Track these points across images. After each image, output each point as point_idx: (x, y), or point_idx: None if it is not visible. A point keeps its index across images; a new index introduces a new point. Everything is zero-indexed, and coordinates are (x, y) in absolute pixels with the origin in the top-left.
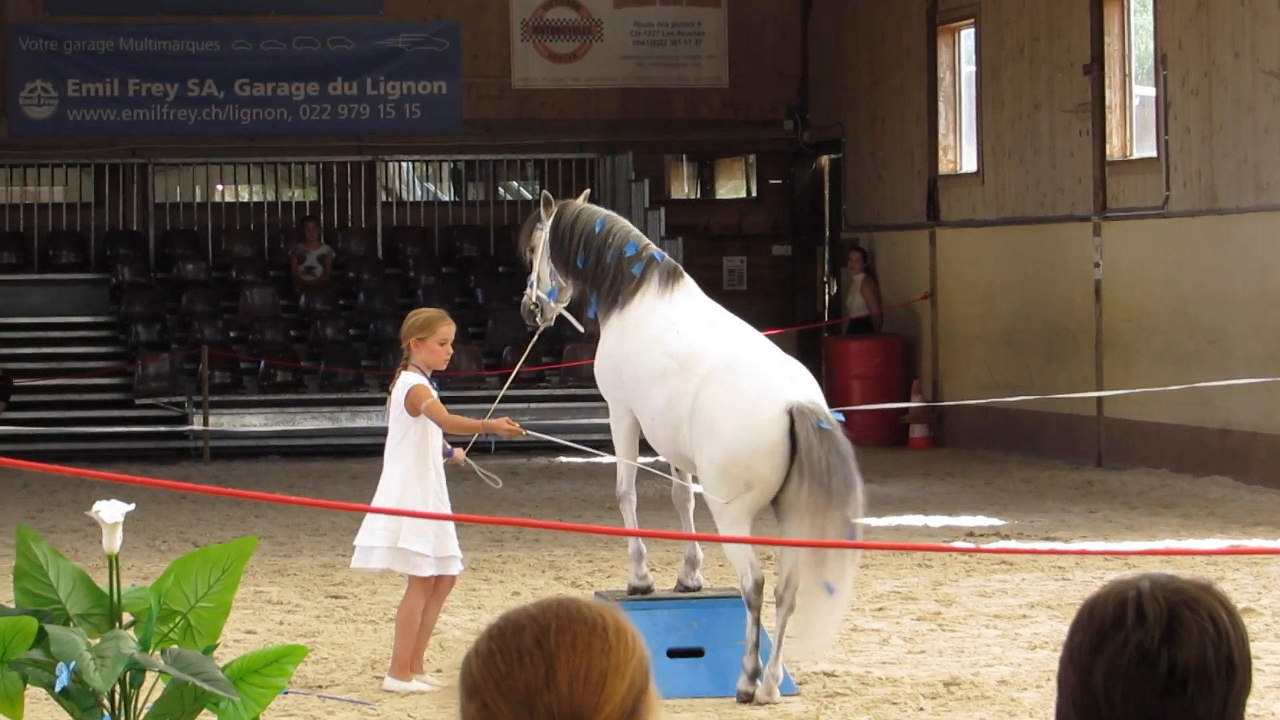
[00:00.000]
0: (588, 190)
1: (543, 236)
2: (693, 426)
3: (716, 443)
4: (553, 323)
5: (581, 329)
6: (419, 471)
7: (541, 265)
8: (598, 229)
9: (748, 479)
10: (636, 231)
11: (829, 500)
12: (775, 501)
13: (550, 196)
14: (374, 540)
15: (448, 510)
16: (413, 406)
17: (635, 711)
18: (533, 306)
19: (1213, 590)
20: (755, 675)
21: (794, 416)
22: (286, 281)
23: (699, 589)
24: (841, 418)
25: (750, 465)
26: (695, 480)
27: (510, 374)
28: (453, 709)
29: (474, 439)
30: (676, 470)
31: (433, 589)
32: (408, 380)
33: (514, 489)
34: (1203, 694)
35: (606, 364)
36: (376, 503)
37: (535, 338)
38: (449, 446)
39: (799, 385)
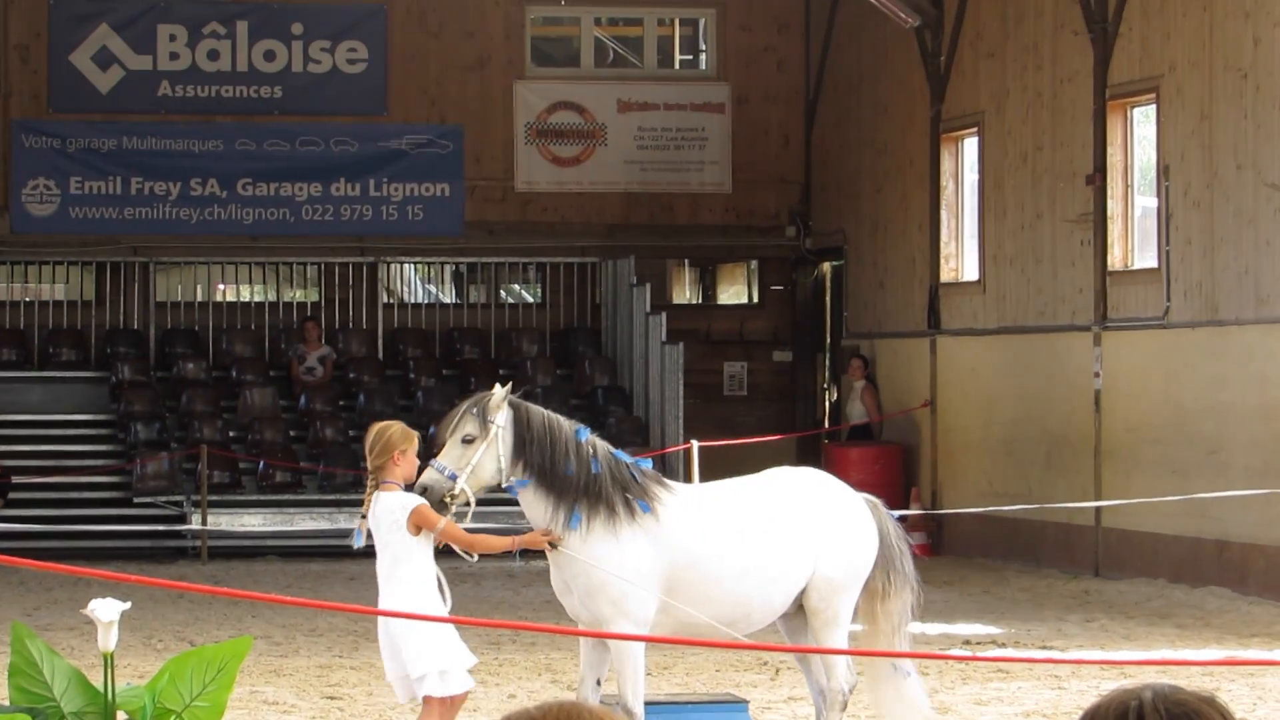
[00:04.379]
0: (510, 384)
1: (495, 430)
2: (817, 550)
3: (855, 548)
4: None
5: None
6: (431, 592)
7: (483, 458)
8: (581, 437)
9: (866, 577)
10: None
11: (906, 583)
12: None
13: (483, 394)
14: (421, 668)
15: (447, 617)
16: (417, 527)
17: None
18: (449, 498)
19: (1215, 702)
20: None
21: (870, 507)
22: (287, 381)
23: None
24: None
25: (870, 562)
26: None
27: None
28: None
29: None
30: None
31: (452, 706)
32: (401, 499)
33: (511, 591)
34: None
35: (650, 563)
36: (399, 628)
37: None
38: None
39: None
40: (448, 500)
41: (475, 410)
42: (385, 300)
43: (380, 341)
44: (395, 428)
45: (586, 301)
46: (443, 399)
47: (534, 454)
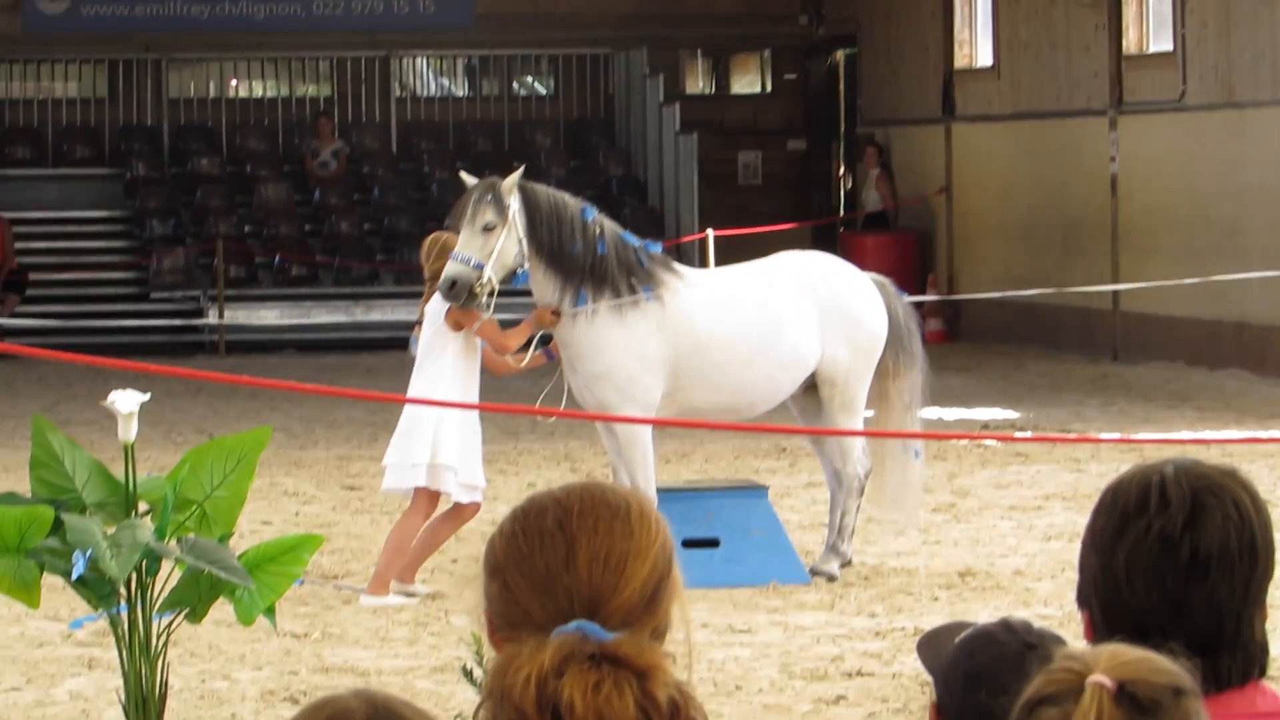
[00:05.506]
0: (523, 166)
1: (512, 214)
2: (826, 334)
3: (864, 329)
4: (481, 307)
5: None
6: (460, 393)
7: (505, 243)
8: (588, 216)
9: (877, 357)
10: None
11: (914, 363)
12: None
13: (493, 180)
14: (413, 458)
15: (478, 434)
16: (456, 324)
17: (656, 596)
18: (477, 287)
19: (1237, 476)
20: (844, 562)
21: (878, 287)
22: (301, 176)
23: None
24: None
25: (881, 342)
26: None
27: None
28: (475, 590)
29: (534, 343)
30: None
31: (455, 515)
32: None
33: (529, 382)
34: (1224, 579)
35: (657, 348)
36: (410, 417)
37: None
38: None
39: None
40: (477, 290)
41: (490, 196)
42: (398, 94)
43: (394, 136)
44: (447, 237)
45: (600, 93)
46: (456, 192)
47: (542, 233)
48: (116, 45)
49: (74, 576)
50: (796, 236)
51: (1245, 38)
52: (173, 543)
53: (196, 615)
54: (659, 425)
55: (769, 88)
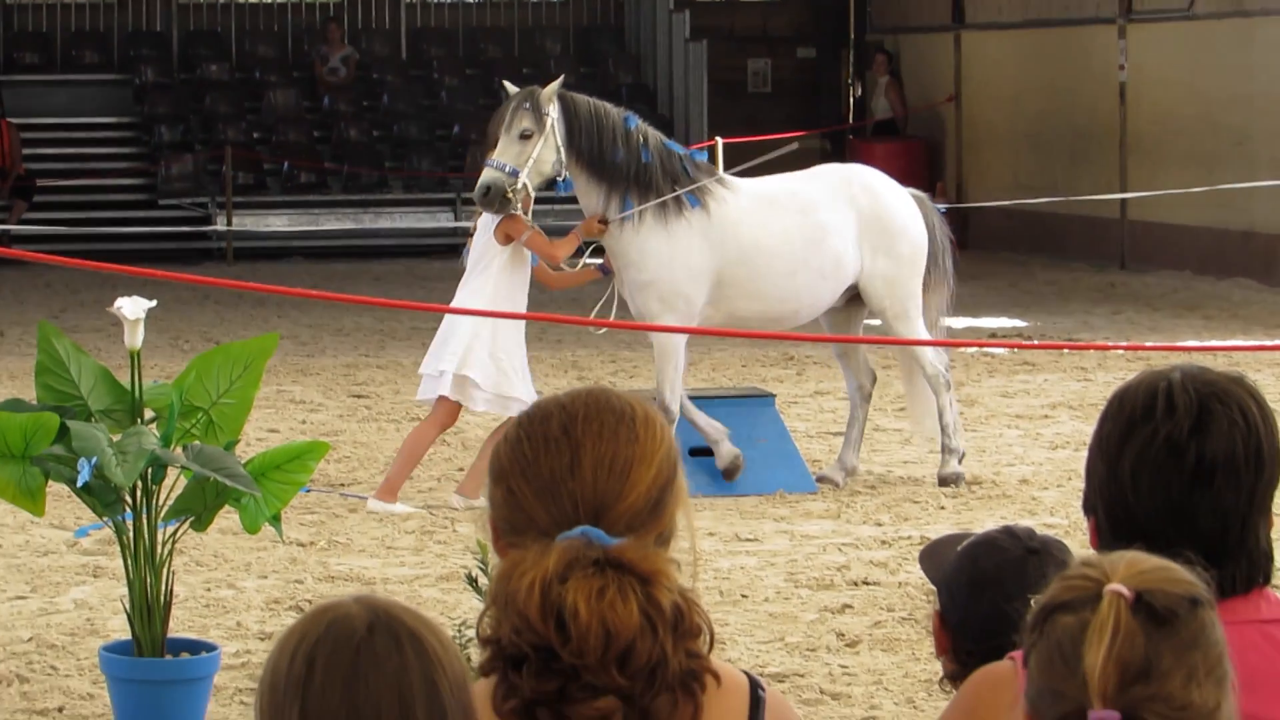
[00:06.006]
0: (563, 76)
1: (550, 123)
2: (867, 244)
3: (906, 240)
4: (517, 212)
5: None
6: (500, 304)
7: (542, 151)
8: (630, 125)
9: (922, 268)
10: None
11: (944, 279)
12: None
13: (533, 89)
14: (441, 365)
15: (522, 351)
16: (505, 235)
17: (661, 501)
18: (511, 193)
19: (1244, 383)
20: (960, 456)
21: (917, 202)
22: (310, 83)
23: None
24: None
25: (924, 253)
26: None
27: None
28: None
29: (586, 253)
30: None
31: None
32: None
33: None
34: (1230, 486)
35: (701, 258)
36: (446, 327)
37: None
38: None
39: None
40: (510, 195)
41: (528, 104)
42: (408, 0)
43: (403, 41)
44: None
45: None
46: (466, 98)
47: (583, 142)
48: None
49: (79, 484)
50: (806, 144)
51: None
52: (178, 450)
53: (202, 523)
54: (695, 335)
55: None
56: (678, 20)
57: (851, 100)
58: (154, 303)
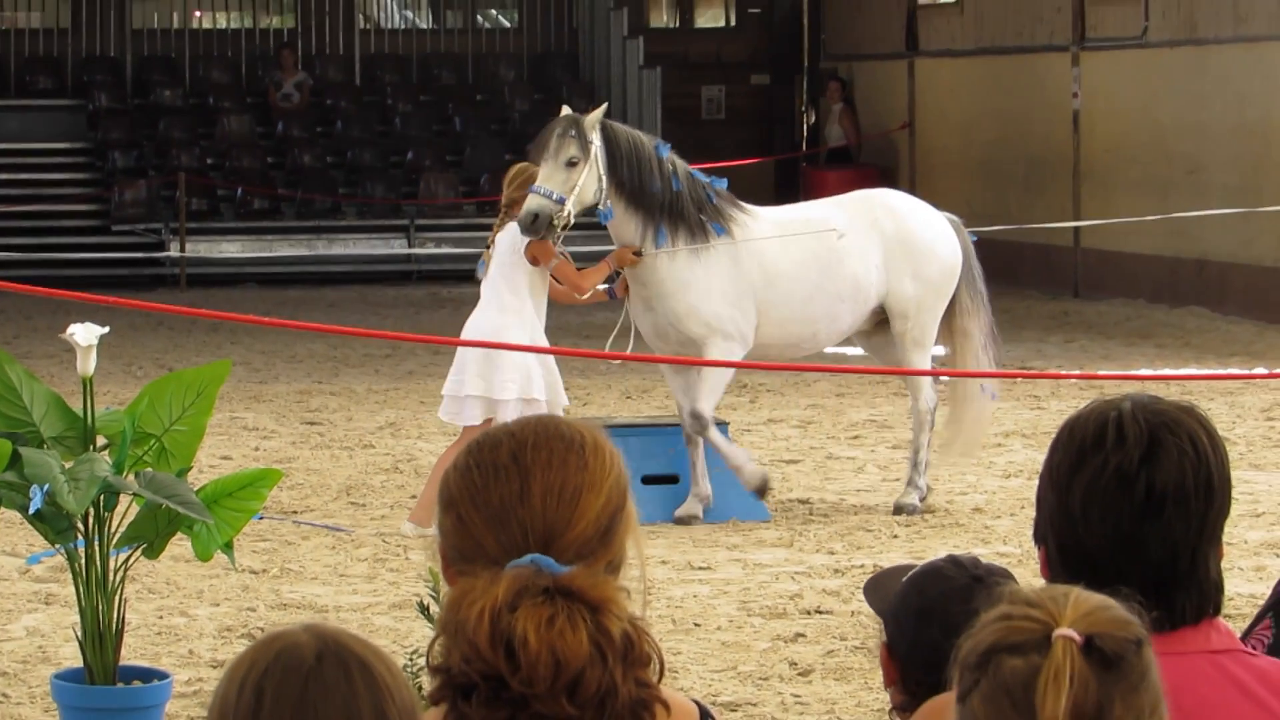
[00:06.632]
0: (605, 104)
1: (594, 151)
2: (893, 267)
3: (935, 262)
4: (557, 240)
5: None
6: (525, 328)
7: (585, 180)
8: (662, 154)
9: (950, 292)
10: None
11: (983, 303)
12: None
13: (576, 115)
14: (466, 389)
15: (549, 360)
16: (534, 257)
17: (610, 529)
18: (556, 220)
19: (1194, 412)
20: (923, 495)
21: (954, 228)
22: (264, 109)
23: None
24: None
25: (954, 278)
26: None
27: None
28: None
29: (613, 282)
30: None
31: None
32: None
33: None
34: (1180, 516)
35: (734, 282)
36: (487, 350)
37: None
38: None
39: None
40: (555, 223)
41: (574, 132)
42: (362, 26)
43: (357, 68)
44: (534, 169)
45: (564, 26)
46: (419, 125)
47: (624, 171)
48: None
49: (31, 511)
50: (759, 171)
51: None
52: (131, 477)
53: (154, 550)
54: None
55: (733, 22)
56: (632, 47)
57: (805, 127)
58: (107, 329)
